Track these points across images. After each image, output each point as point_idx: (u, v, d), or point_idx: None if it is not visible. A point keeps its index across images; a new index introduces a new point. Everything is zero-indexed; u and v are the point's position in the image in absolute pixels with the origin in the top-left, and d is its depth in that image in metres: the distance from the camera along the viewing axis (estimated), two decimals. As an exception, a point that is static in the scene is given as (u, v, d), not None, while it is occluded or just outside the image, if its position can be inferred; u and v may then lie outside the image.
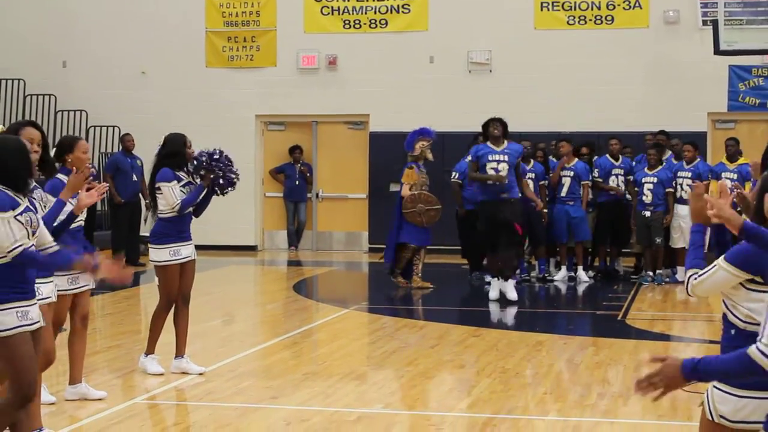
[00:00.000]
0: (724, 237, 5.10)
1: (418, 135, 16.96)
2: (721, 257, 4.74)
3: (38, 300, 6.86)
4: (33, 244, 6.37)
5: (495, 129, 15.24)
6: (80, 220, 8.32)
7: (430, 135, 16.99)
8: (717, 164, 17.97)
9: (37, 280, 7.35)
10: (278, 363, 11.26)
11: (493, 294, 15.45)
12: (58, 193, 7.75)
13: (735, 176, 16.79)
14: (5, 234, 6.23)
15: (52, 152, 8.36)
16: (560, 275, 17.64)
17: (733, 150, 17.37)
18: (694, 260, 4.93)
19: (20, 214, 6.32)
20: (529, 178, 16.79)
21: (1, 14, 23.59)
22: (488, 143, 15.28)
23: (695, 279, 4.82)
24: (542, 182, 17.55)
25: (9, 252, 6.24)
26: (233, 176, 10.24)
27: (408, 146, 16.97)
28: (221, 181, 10.15)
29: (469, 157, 15.83)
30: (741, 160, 17.23)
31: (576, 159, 17.74)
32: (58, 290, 8.55)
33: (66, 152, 8.74)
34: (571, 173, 17.59)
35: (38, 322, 6.47)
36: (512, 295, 15.28)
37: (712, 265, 4.77)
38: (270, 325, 14.48)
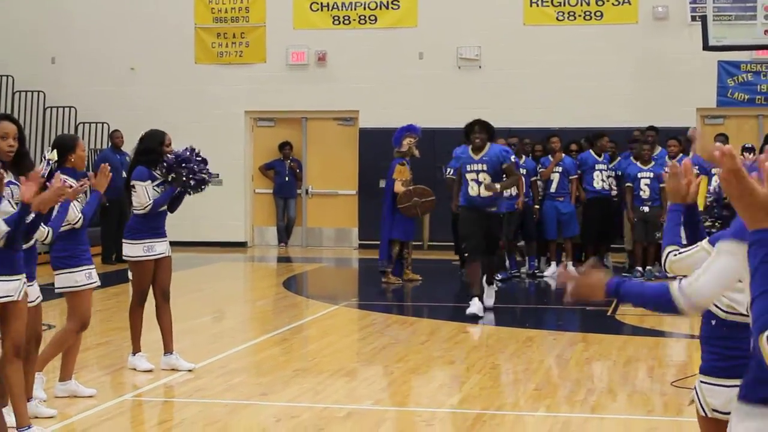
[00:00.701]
0: (695, 217, 4.96)
1: (405, 131, 17.03)
2: (705, 239, 4.65)
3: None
4: None
5: (477, 137, 13.75)
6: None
7: (417, 132, 17.06)
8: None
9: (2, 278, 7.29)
10: (268, 359, 11.25)
11: (473, 308, 13.56)
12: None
13: None
14: None
15: (51, 153, 8.38)
16: (550, 271, 17.65)
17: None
18: (672, 237, 4.85)
19: None
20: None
21: (-10, 10, 23.53)
22: (469, 150, 13.88)
23: (674, 255, 4.73)
24: (534, 178, 17.58)
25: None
26: (204, 176, 10.22)
27: (395, 142, 17.03)
28: (192, 182, 10.14)
29: (451, 171, 15.84)
30: None
31: (563, 155, 17.77)
32: (77, 286, 8.67)
33: (69, 152, 8.78)
34: (560, 169, 17.63)
35: (38, 297, 6.41)
36: (489, 302, 14.11)
37: (695, 245, 4.70)
38: (260, 321, 14.48)
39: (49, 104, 23.02)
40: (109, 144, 20.59)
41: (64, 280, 8.86)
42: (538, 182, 17.71)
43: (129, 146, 19.25)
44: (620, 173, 17.70)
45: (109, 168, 9.05)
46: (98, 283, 9.15)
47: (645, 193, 17.32)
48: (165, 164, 10.12)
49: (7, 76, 23.12)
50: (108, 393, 9.53)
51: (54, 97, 22.98)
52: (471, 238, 13.92)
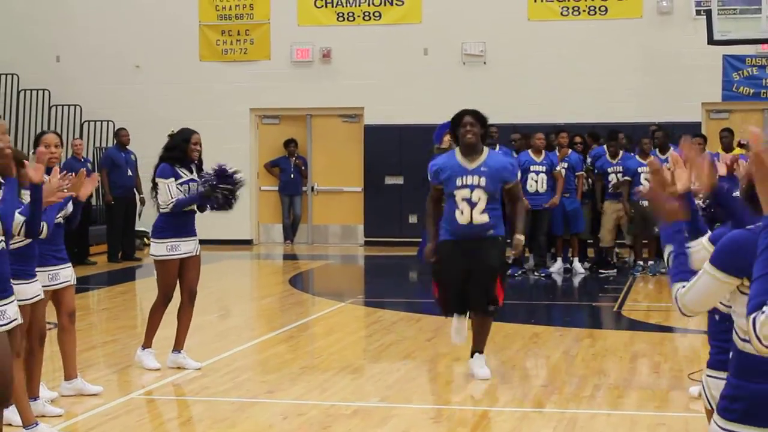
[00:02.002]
0: (697, 224, 4.69)
1: (446, 128, 16.97)
2: (706, 236, 4.47)
3: (24, 300, 6.92)
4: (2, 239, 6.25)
5: (469, 133, 9.56)
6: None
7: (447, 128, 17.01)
8: (714, 155, 17.94)
9: (21, 281, 7.35)
10: (274, 357, 11.25)
11: (458, 338, 10.08)
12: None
13: None
14: None
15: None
16: (556, 267, 17.62)
17: (727, 141, 17.36)
18: (678, 272, 4.14)
19: None
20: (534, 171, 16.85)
21: (-6, 9, 23.54)
22: (457, 154, 9.66)
23: (682, 288, 4.03)
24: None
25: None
26: (232, 200, 10.27)
27: (437, 138, 16.99)
28: (216, 205, 10.17)
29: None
30: (737, 151, 17.21)
31: (570, 150, 17.70)
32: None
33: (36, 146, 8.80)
34: (566, 165, 17.53)
35: (15, 320, 6.34)
36: (482, 373, 9.82)
37: (696, 242, 4.49)
38: (266, 319, 14.47)
39: (54, 102, 23.03)
40: (115, 142, 20.58)
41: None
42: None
43: (134, 144, 19.35)
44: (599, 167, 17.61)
45: (89, 175, 8.77)
46: (69, 282, 8.93)
47: (645, 187, 17.27)
48: (205, 176, 10.11)
49: (13, 74, 23.13)
50: (115, 391, 9.53)
51: (59, 96, 22.99)
52: (450, 289, 9.71)
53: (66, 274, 8.76)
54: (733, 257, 3.81)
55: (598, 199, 17.40)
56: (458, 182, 9.48)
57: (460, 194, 9.47)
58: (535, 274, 17.15)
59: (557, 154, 17.64)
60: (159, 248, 10.11)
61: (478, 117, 9.70)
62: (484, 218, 9.50)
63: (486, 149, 9.73)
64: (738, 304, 3.82)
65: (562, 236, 17.66)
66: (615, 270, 17.46)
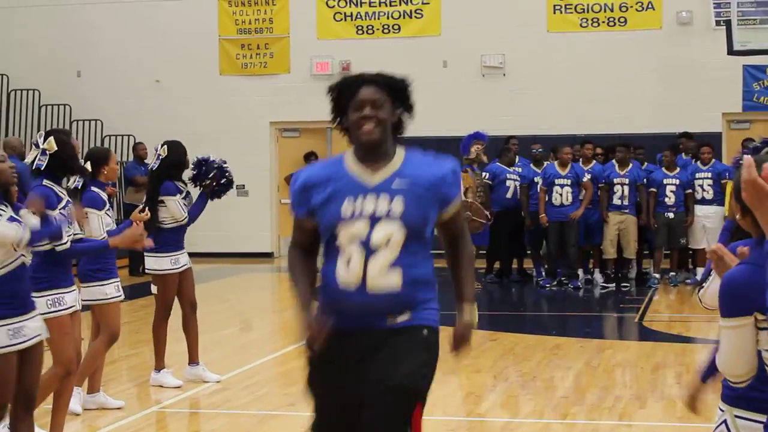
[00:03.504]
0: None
1: (473, 138, 17.05)
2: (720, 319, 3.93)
3: (58, 310, 6.98)
4: (22, 254, 6.24)
5: (367, 122, 5.28)
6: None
7: (484, 139, 17.08)
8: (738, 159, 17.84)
9: (60, 290, 7.40)
10: (296, 370, 11.21)
11: None
12: (94, 205, 8.21)
13: None
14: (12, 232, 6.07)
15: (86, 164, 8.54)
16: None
17: (750, 153, 17.29)
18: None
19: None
20: (557, 184, 16.83)
21: (15, 25, 23.66)
22: (348, 160, 5.22)
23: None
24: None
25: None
26: (230, 179, 10.31)
27: (464, 149, 16.96)
28: (217, 189, 10.21)
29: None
30: None
31: (594, 162, 17.59)
32: (107, 299, 8.70)
33: (102, 164, 8.86)
34: (589, 176, 17.41)
35: (35, 337, 6.28)
36: None
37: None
38: (287, 332, 14.46)
39: (75, 117, 23.13)
40: (133, 157, 20.63)
41: (94, 292, 8.86)
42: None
43: (150, 157, 19.36)
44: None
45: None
46: (122, 297, 9.15)
47: (670, 199, 17.22)
48: (195, 172, 10.15)
49: (33, 90, 23.24)
50: (136, 405, 9.54)
51: (80, 111, 23.09)
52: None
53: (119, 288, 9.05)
54: (734, 299, 3.74)
55: (602, 209, 17.26)
56: (346, 209, 4.99)
57: (349, 232, 4.97)
58: (549, 286, 17.06)
59: (582, 165, 17.51)
60: (162, 263, 10.10)
61: (388, 86, 5.54)
62: (392, 281, 5.03)
63: (402, 150, 5.32)
64: (762, 342, 3.73)
65: (583, 247, 17.56)
66: (613, 284, 17.28)
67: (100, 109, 23.02)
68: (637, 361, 11.34)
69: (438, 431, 8.69)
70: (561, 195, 16.94)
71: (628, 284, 17.17)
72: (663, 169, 17.38)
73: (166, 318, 10.24)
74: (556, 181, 16.95)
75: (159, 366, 10.23)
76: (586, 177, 17.06)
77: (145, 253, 10.29)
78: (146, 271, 10.52)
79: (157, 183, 10.11)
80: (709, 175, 17.21)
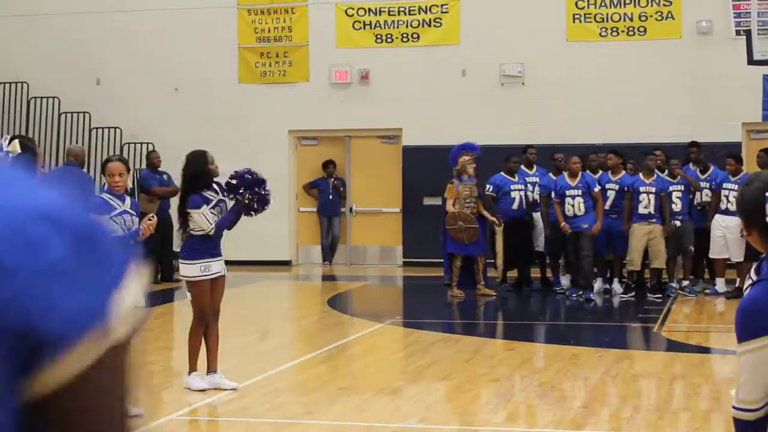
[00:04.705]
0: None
1: (461, 149, 17.26)
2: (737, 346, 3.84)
3: None
4: None
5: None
6: None
7: (473, 150, 17.25)
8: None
9: None
10: (313, 378, 11.26)
11: None
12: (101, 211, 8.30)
13: None
14: None
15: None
16: (597, 286, 17.46)
17: (762, 161, 17.19)
18: None
19: None
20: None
21: (35, 33, 23.75)
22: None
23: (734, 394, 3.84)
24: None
25: None
26: (266, 196, 10.27)
27: (451, 160, 17.26)
28: (255, 205, 10.19)
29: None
30: None
31: (624, 172, 17.49)
32: None
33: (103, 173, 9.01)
34: (617, 186, 17.33)
35: None
36: None
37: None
38: (305, 340, 14.49)
39: (94, 125, 23.20)
40: (146, 164, 20.67)
41: None
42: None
43: (170, 165, 19.34)
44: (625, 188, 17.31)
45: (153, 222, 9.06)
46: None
47: (677, 206, 17.19)
48: (228, 186, 10.16)
49: (54, 97, 23.33)
50: (154, 412, 9.55)
51: (100, 118, 23.16)
52: None
53: None
54: (754, 318, 3.68)
55: (625, 219, 17.15)
56: None
57: None
58: (575, 296, 16.97)
59: (591, 175, 17.42)
60: (192, 269, 10.17)
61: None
62: None
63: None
64: None
65: (605, 257, 17.48)
66: (633, 293, 17.20)
67: (120, 116, 23.09)
68: (656, 371, 11.30)
69: (455, 441, 8.69)
70: (573, 206, 16.85)
71: (660, 296, 16.96)
72: (667, 176, 17.34)
73: (201, 324, 10.28)
74: (567, 192, 16.88)
75: (192, 368, 10.31)
76: (597, 188, 16.98)
77: (180, 260, 10.40)
78: (179, 276, 10.60)
79: (183, 196, 10.26)
80: (736, 186, 17.11)
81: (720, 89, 20.98)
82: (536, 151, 18.54)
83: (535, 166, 18.26)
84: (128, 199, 9.05)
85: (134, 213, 9.04)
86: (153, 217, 8.98)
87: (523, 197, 17.68)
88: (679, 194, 17.23)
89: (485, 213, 17.11)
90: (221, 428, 9.27)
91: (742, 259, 16.89)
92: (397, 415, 9.37)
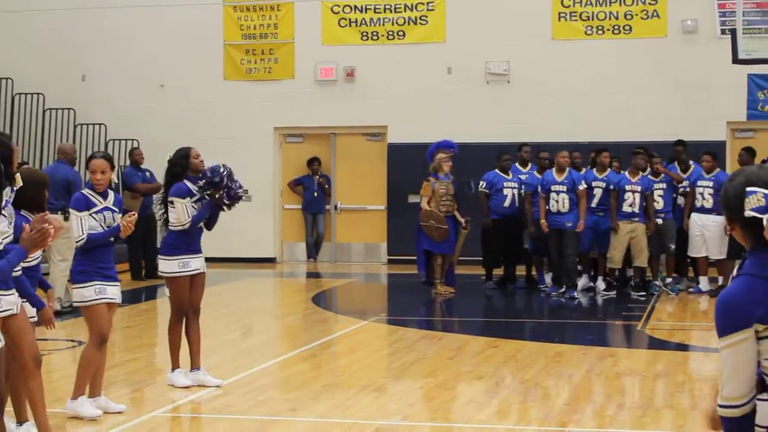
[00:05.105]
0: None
1: (438, 147, 17.33)
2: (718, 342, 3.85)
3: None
4: None
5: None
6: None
7: (449, 147, 17.33)
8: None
9: None
10: (297, 375, 11.25)
11: None
12: (75, 206, 8.26)
13: None
14: None
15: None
16: (581, 283, 17.47)
17: (743, 160, 17.23)
18: None
19: None
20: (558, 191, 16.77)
21: (21, 29, 23.69)
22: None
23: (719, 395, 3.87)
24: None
25: None
26: (239, 191, 10.26)
27: (428, 157, 17.39)
28: (226, 200, 10.18)
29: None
30: None
31: (609, 170, 17.48)
32: (86, 301, 8.74)
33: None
34: (603, 184, 17.35)
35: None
36: None
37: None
38: (289, 337, 14.48)
39: (79, 121, 23.14)
40: (129, 162, 20.61)
41: (74, 294, 8.94)
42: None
43: (153, 162, 19.27)
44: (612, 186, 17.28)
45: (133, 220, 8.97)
46: (115, 300, 9.09)
47: (659, 204, 17.21)
48: (202, 180, 10.15)
49: (38, 94, 23.26)
50: (137, 409, 9.54)
51: (84, 115, 23.10)
52: None
53: (113, 291, 8.96)
54: (733, 313, 3.73)
55: (612, 217, 17.13)
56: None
57: None
58: (555, 294, 16.97)
59: (595, 173, 17.41)
60: (171, 265, 10.17)
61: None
62: None
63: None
64: (764, 351, 3.74)
65: (590, 254, 17.48)
66: (615, 292, 17.21)
67: (105, 113, 23.04)
68: (640, 369, 11.33)
69: (439, 438, 8.69)
70: (557, 202, 16.85)
71: (644, 293, 16.98)
72: (650, 176, 17.34)
73: (180, 320, 10.29)
74: (552, 188, 16.89)
75: (174, 366, 10.32)
76: (582, 186, 16.95)
77: (159, 256, 10.39)
78: (158, 273, 10.59)
79: (167, 187, 10.28)
80: (711, 184, 17.17)
81: (705, 88, 21.03)
82: (531, 150, 18.53)
83: (529, 164, 18.24)
84: (111, 196, 9.01)
85: (116, 210, 9.00)
86: (133, 214, 8.94)
87: (516, 195, 17.68)
88: (661, 192, 17.26)
89: (457, 214, 17.19)
90: (204, 425, 9.26)
91: (722, 257, 16.95)
92: (381, 413, 9.37)
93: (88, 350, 8.99)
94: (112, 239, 8.98)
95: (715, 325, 3.78)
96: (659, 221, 17.17)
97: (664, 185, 17.30)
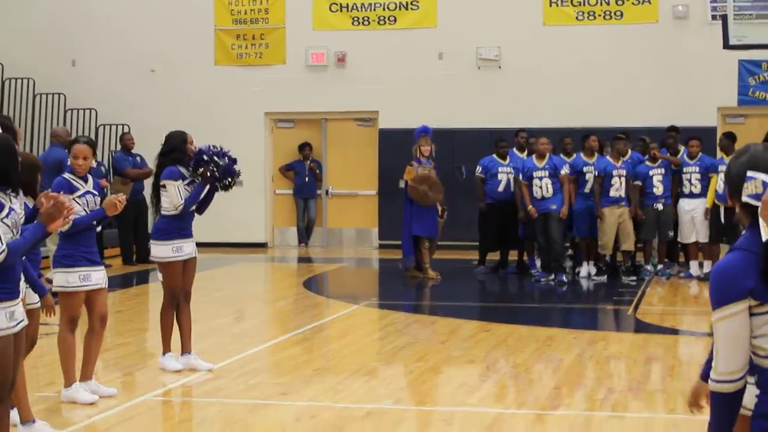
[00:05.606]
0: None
1: (417, 133, 17.56)
2: (712, 315, 3.90)
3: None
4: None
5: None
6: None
7: (424, 132, 17.52)
8: (718, 158, 17.81)
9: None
10: (288, 359, 11.26)
11: None
12: (57, 190, 8.15)
13: None
14: None
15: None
16: (583, 272, 17.38)
17: (723, 145, 17.25)
18: None
19: (6, 216, 6.27)
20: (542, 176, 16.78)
21: (11, 13, 23.63)
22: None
23: (712, 370, 3.90)
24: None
25: None
26: (233, 170, 10.21)
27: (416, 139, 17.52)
28: (218, 173, 10.11)
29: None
30: None
31: (596, 155, 17.47)
32: (68, 286, 8.72)
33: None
34: (594, 170, 17.25)
35: (22, 321, 6.38)
36: None
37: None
38: (280, 321, 14.49)
39: (69, 106, 23.09)
40: (120, 147, 20.58)
41: (57, 279, 8.87)
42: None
43: (144, 147, 19.26)
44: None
45: (122, 199, 8.88)
46: (101, 285, 9.05)
47: (658, 189, 17.20)
48: (193, 160, 10.13)
49: (28, 78, 23.20)
50: (128, 393, 9.55)
51: (75, 100, 23.05)
52: None
53: (98, 276, 8.96)
54: (727, 284, 3.77)
55: (597, 202, 17.06)
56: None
57: None
58: (544, 279, 16.96)
59: (582, 157, 17.42)
60: (164, 250, 10.15)
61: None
62: None
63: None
64: (755, 327, 3.77)
65: (585, 239, 17.45)
66: (605, 277, 17.22)
67: (95, 98, 22.99)
68: (630, 353, 11.35)
69: (431, 422, 8.70)
70: (541, 188, 16.84)
71: (635, 278, 16.99)
72: (647, 161, 17.35)
73: (172, 305, 10.28)
74: (534, 174, 16.87)
75: (165, 350, 10.31)
76: (564, 170, 16.94)
77: (151, 240, 10.35)
78: (150, 258, 10.57)
79: (158, 169, 10.24)
80: (697, 169, 17.21)
81: (696, 73, 21.04)
82: (527, 135, 18.51)
83: (526, 149, 18.24)
84: (91, 180, 8.99)
85: (96, 194, 8.97)
86: (122, 195, 8.91)
87: (512, 180, 17.66)
88: (660, 177, 17.23)
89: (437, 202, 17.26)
90: (195, 409, 9.27)
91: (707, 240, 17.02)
92: (371, 396, 9.38)
93: (61, 335, 8.96)
94: (94, 223, 8.95)
95: (710, 298, 3.81)
96: (659, 207, 17.17)
97: (663, 170, 17.27)
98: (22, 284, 7.19)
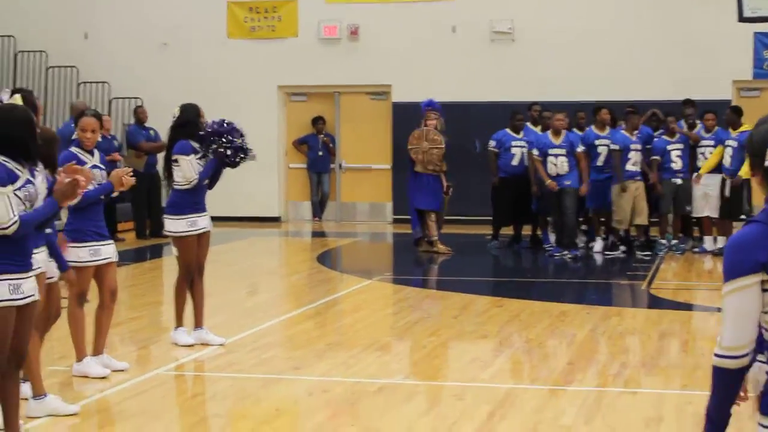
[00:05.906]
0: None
1: (426, 106, 17.58)
2: (723, 287, 3.81)
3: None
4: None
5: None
6: None
7: (429, 106, 17.51)
8: (724, 132, 17.65)
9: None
10: (301, 334, 11.26)
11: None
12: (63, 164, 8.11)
13: (735, 144, 16.59)
14: (4, 209, 6.12)
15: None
16: (597, 247, 17.34)
17: (729, 119, 17.11)
18: None
19: (20, 188, 6.26)
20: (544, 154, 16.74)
21: (23, -13, 23.59)
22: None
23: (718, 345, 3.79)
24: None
25: (7, 228, 6.13)
26: (241, 144, 10.15)
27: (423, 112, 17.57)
28: (228, 152, 10.06)
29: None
30: (744, 127, 16.73)
31: (608, 129, 17.37)
32: (79, 261, 8.71)
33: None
34: (607, 142, 17.22)
35: (31, 296, 6.35)
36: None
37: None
38: (293, 296, 14.49)
39: (82, 80, 23.07)
40: (134, 120, 20.57)
41: (71, 253, 8.82)
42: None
43: (157, 120, 19.23)
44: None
45: (131, 173, 8.85)
46: (111, 259, 9.06)
47: (677, 164, 17.11)
48: (203, 136, 10.09)
49: (41, 51, 23.18)
50: (140, 367, 9.56)
51: (87, 73, 23.03)
52: None
53: (108, 251, 9.01)
54: (741, 256, 3.67)
55: (619, 177, 16.91)
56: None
57: None
58: (558, 254, 16.90)
59: (578, 132, 17.33)
60: (179, 224, 10.13)
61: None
62: None
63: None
64: (766, 303, 3.67)
65: (598, 214, 17.37)
66: (619, 251, 17.13)
67: (108, 71, 22.97)
68: (644, 328, 11.32)
69: (443, 396, 8.68)
70: (556, 165, 16.73)
71: (649, 253, 16.93)
72: (664, 136, 17.26)
73: (187, 279, 10.27)
74: (550, 151, 16.75)
75: (178, 324, 10.33)
76: (580, 147, 16.84)
77: (165, 215, 10.32)
78: (165, 232, 10.54)
79: (170, 143, 10.20)
80: (713, 143, 17.09)
81: (711, 46, 20.91)
82: (541, 108, 18.38)
83: (540, 124, 18.11)
84: (97, 154, 8.96)
85: (103, 168, 8.94)
86: (129, 169, 8.88)
87: (525, 154, 17.56)
88: (679, 152, 17.12)
89: (443, 177, 17.21)
90: (208, 383, 9.26)
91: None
92: (384, 371, 9.37)
93: (70, 309, 8.97)
94: (102, 197, 8.90)
95: (723, 270, 3.72)
96: (678, 181, 17.07)
97: (682, 145, 17.15)
98: (43, 259, 7.22)
